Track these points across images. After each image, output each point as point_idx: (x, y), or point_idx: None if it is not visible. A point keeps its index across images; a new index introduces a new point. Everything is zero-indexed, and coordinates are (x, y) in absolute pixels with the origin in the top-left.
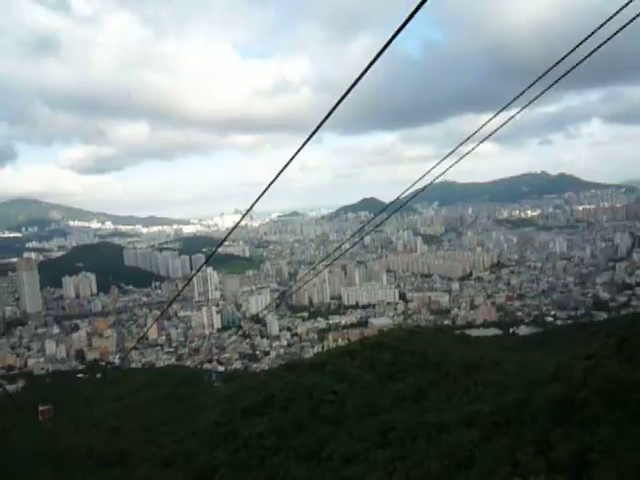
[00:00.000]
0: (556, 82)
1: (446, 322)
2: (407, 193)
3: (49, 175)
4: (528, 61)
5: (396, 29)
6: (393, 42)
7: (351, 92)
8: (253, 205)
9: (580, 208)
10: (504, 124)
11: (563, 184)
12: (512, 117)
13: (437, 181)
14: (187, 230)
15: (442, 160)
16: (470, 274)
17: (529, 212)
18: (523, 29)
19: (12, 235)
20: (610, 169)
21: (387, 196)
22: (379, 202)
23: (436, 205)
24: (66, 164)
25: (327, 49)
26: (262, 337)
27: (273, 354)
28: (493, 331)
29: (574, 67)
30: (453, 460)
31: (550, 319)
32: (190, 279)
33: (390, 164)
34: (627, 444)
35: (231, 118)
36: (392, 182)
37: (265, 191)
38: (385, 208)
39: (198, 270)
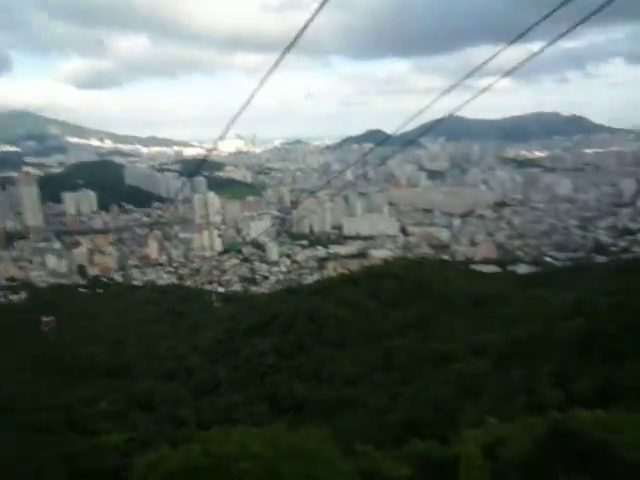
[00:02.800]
0: (587, 18)
1: (445, 257)
2: (412, 127)
3: (47, 88)
4: None
5: None
6: None
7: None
8: (225, 132)
9: (589, 151)
10: (525, 60)
11: (574, 126)
12: (535, 54)
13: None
14: (188, 152)
15: (448, 91)
16: (472, 211)
17: (537, 152)
18: None
19: (10, 149)
20: (624, 113)
21: (394, 128)
22: (385, 134)
23: (443, 140)
24: (64, 77)
25: None
26: (262, 262)
27: (272, 279)
28: (492, 268)
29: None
30: (461, 388)
31: (549, 259)
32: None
33: (401, 94)
34: None
35: (238, 35)
36: (401, 114)
37: (236, 118)
38: (383, 141)
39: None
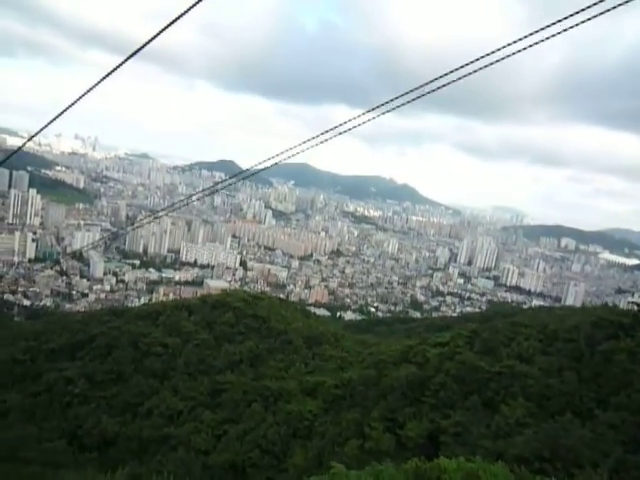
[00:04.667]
0: (411, 101)
1: (280, 296)
2: (264, 165)
3: None
4: (408, 72)
5: None
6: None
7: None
8: (47, 124)
9: (414, 218)
10: (364, 122)
11: (405, 193)
12: (371, 119)
13: (296, 162)
14: (12, 142)
15: (305, 142)
16: (311, 255)
17: (372, 211)
18: (416, 42)
19: None
20: (444, 191)
21: (246, 163)
22: (237, 167)
23: (291, 184)
24: None
25: None
26: (82, 277)
27: (92, 297)
28: (322, 312)
29: (430, 92)
30: (292, 429)
31: (373, 309)
32: None
33: (257, 133)
34: (480, 430)
35: (98, 30)
36: (254, 151)
37: (63, 112)
38: (239, 173)
39: None
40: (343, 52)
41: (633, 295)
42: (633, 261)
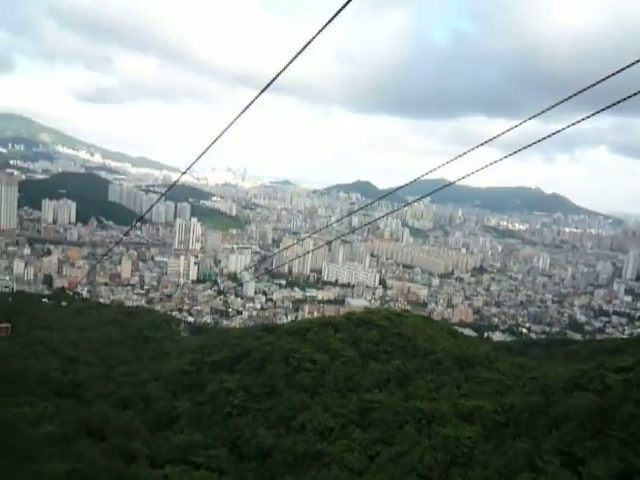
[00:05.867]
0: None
1: (423, 314)
2: (400, 184)
3: (45, 95)
4: (554, 75)
5: None
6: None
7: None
8: (194, 162)
9: (567, 230)
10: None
11: (554, 204)
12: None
13: (432, 178)
14: (176, 177)
15: (450, 161)
16: (452, 273)
17: (517, 225)
18: (557, 40)
19: None
20: (603, 199)
21: (382, 182)
22: (373, 187)
23: (427, 201)
24: (65, 87)
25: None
26: (237, 296)
27: (245, 314)
28: (468, 332)
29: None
30: (449, 454)
31: (525, 330)
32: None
33: (392, 151)
34: None
35: (244, 72)
36: (389, 170)
37: (210, 146)
38: (381, 197)
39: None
40: (477, 61)
41: None
42: None
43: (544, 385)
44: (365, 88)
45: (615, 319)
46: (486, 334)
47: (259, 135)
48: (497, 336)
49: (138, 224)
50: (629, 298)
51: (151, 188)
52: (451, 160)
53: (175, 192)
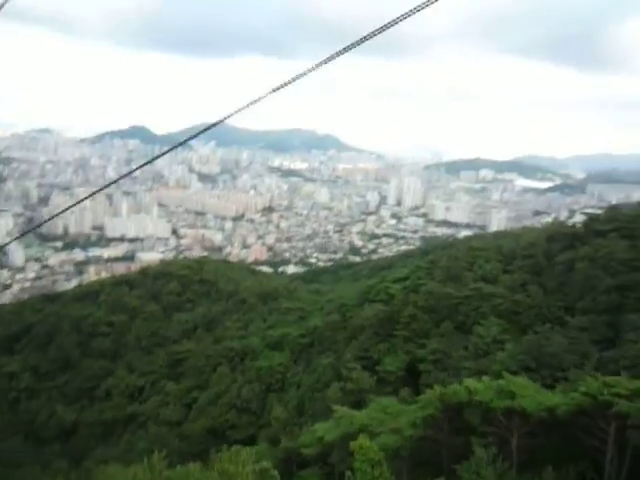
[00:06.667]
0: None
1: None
2: (180, 128)
3: None
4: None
5: None
6: None
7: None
8: None
9: (341, 166)
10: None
11: (328, 142)
12: (304, 73)
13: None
14: None
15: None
16: (243, 215)
17: (298, 164)
18: None
19: None
20: (366, 135)
21: (160, 127)
22: (149, 132)
23: (213, 144)
24: None
25: None
26: (1, 268)
27: (16, 287)
28: (265, 269)
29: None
30: (264, 384)
31: (314, 260)
32: None
33: (169, 91)
34: (458, 353)
35: None
36: (167, 110)
37: None
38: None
39: None
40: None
41: (550, 215)
42: (545, 184)
43: (340, 304)
44: (132, 21)
45: (385, 240)
46: (281, 268)
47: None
48: (291, 269)
49: None
50: (394, 221)
51: None
52: (244, 107)
53: None
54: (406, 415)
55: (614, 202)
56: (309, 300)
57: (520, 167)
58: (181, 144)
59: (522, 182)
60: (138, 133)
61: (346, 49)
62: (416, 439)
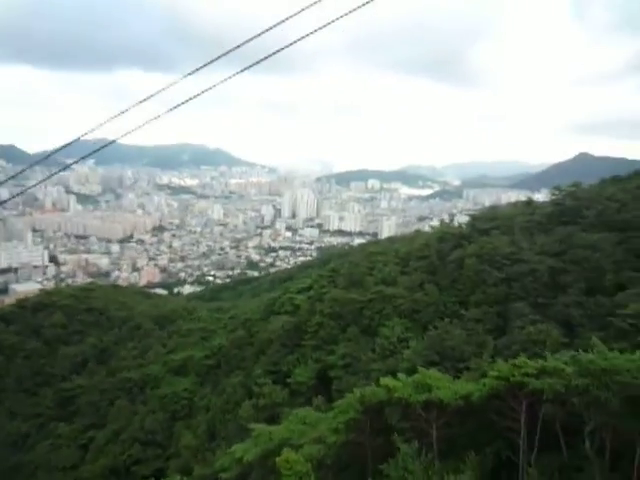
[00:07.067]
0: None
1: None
2: (53, 146)
3: None
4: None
5: None
6: None
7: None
8: None
9: (233, 181)
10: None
11: (219, 158)
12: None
13: (93, 138)
14: None
15: (107, 121)
16: (131, 236)
17: (188, 180)
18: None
19: None
20: (257, 149)
21: (32, 145)
22: (20, 151)
23: (92, 163)
24: None
25: None
26: None
27: None
28: (159, 292)
29: None
30: (169, 412)
31: (211, 278)
32: None
33: (39, 108)
34: (367, 355)
35: None
36: (39, 130)
37: None
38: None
39: None
40: (129, 12)
41: (432, 220)
42: (427, 191)
43: (244, 320)
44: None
45: (282, 253)
46: (177, 289)
47: None
48: (187, 289)
49: None
50: (289, 234)
51: None
52: (113, 117)
53: None
54: (325, 423)
55: (487, 204)
56: (210, 319)
57: (404, 176)
58: (67, 166)
59: (406, 190)
60: (6, 151)
61: (246, 68)
62: (339, 445)
